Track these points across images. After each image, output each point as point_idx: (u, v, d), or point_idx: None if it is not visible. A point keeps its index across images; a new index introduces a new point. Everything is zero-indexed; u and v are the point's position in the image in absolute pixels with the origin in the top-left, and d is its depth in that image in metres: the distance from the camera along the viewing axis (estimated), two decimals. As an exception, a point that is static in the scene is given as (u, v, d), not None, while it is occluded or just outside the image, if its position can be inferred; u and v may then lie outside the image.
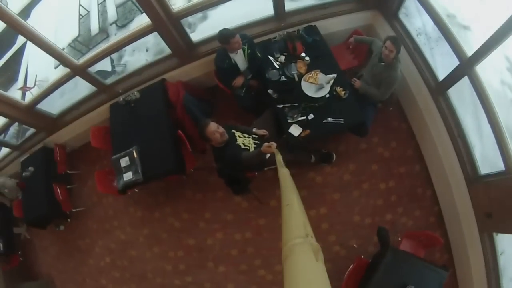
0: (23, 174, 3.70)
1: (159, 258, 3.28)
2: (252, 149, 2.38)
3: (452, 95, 2.73)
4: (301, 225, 0.90)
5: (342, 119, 2.63)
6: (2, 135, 4.73)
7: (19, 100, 3.33)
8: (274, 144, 2.05)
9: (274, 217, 3.08)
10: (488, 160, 2.75)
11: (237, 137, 2.40)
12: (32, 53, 5.17)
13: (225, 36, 2.52)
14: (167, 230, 3.30)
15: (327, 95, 2.68)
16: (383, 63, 2.62)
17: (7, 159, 4.03)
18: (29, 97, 3.60)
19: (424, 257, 2.64)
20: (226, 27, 2.60)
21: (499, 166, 2.38)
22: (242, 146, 2.34)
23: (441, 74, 2.72)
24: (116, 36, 3.05)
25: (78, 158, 3.87)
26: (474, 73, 2.29)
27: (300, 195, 3.07)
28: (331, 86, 2.70)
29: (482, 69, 2.33)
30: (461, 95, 2.86)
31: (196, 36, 3.10)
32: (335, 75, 2.71)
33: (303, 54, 2.81)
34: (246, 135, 2.48)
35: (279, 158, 1.86)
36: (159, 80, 3.13)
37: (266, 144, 2.05)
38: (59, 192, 3.41)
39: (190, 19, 4.36)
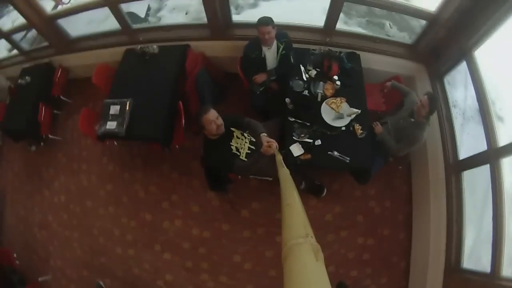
0: (19, 81, 3.58)
1: (111, 219, 3.10)
2: (243, 155, 2.18)
3: (465, 177, 2.56)
4: (301, 225, 0.86)
5: (348, 158, 2.44)
6: (21, 37, 4.62)
7: (43, 8, 3.18)
8: (274, 145, 1.80)
9: (240, 228, 2.88)
10: (474, 254, 2.58)
11: (234, 137, 2.20)
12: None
13: (259, 20, 2.36)
14: (130, 196, 3.12)
15: (343, 128, 2.50)
16: (412, 119, 2.44)
17: (12, 60, 3.93)
18: (56, 11, 3.48)
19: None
20: (270, 17, 2.41)
21: (485, 266, 2.21)
22: (234, 150, 2.15)
23: (462, 154, 2.57)
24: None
25: (76, 88, 3.71)
26: (497, 165, 2.13)
27: (275, 217, 2.92)
28: (351, 121, 2.51)
29: (504, 166, 2.17)
30: (474, 182, 2.71)
31: (241, 17, 2.94)
32: (359, 111, 2.52)
33: (335, 77, 2.62)
34: (245, 138, 2.27)
35: (279, 158, 1.68)
36: (183, 44, 2.95)
37: (266, 144, 1.82)
38: (43, 113, 3.26)
39: (240, 1, 4.21)
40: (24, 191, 3.58)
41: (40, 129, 3.36)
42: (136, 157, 3.24)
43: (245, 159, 2.19)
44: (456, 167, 2.57)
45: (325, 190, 2.86)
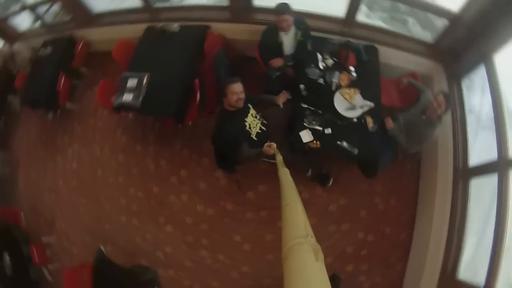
0: (40, 51, 3.69)
1: (119, 189, 3.19)
2: (254, 134, 2.29)
3: (473, 185, 2.53)
4: (301, 225, 0.90)
5: (357, 150, 2.44)
6: (45, 11, 4.75)
7: None
8: (274, 145, 2.05)
9: (244, 209, 2.93)
10: (472, 266, 2.54)
11: (249, 115, 2.30)
12: None
13: (276, 8, 2.43)
14: (140, 168, 3.20)
15: (355, 119, 2.50)
16: (424, 117, 2.42)
17: (35, 32, 4.05)
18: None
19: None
20: (288, 4, 2.46)
21: (480, 278, 2.18)
22: (247, 127, 2.26)
23: (472, 160, 2.54)
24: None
25: (96, 62, 3.80)
26: (506, 176, 2.11)
27: (278, 202, 2.93)
28: (363, 113, 2.51)
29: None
30: (481, 191, 2.67)
31: (260, 2, 2.96)
32: (372, 104, 2.52)
33: (351, 68, 2.62)
34: (258, 118, 2.38)
35: (279, 158, 1.84)
36: (204, 25, 2.99)
37: (266, 144, 2.05)
38: (62, 82, 3.36)
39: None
40: (37, 156, 3.70)
41: (58, 98, 3.46)
42: (150, 131, 3.31)
43: (256, 139, 2.26)
44: (464, 173, 2.55)
45: (331, 180, 2.87)
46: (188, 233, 2.93)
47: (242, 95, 2.12)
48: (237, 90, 2.09)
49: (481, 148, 2.68)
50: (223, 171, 2.93)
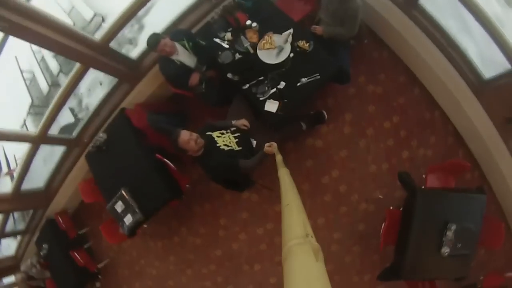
0: (41, 253, 3.70)
1: (196, 279, 3.24)
2: (234, 146, 2.21)
3: (425, 4, 2.48)
4: (301, 225, 0.86)
5: (317, 74, 2.36)
6: (12, 224, 4.76)
7: (2, 192, 3.30)
8: (274, 144, 2.02)
9: (288, 200, 2.92)
10: (489, 62, 2.52)
11: (216, 138, 2.20)
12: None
13: (149, 44, 2.37)
14: (192, 250, 3.23)
15: (291, 55, 2.40)
16: (336, -3, 2.31)
17: (23, 245, 4.07)
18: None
19: (456, 185, 2.43)
20: (155, 32, 2.39)
21: (504, 65, 2.17)
22: (226, 148, 2.17)
23: None
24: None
25: (83, 216, 3.80)
26: None
27: (306, 166, 2.90)
28: (292, 44, 2.41)
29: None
30: (435, 1, 2.58)
31: (140, 48, 2.83)
32: (291, 30, 2.42)
33: (248, 22, 2.50)
34: (225, 132, 2.27)
35: (279, 158, 1.82)
36: (118, 112, 2.91)
37: (267, 144, 2.02)
38: (79, 257, 3.39)
39: (128, 34, 4.08)
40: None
41: (88, 269, 3.50)
42: (169, 220, 3.30)
43: (240, 148, 2.20)
44: (409, 2, 2.48)
45: (325, 113, 2.81)
46: (273, 255, 2.96)
47: (194, 135, 2.03)
48: (187, 137, 2.00)
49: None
50: (246, 190, 2.89)
